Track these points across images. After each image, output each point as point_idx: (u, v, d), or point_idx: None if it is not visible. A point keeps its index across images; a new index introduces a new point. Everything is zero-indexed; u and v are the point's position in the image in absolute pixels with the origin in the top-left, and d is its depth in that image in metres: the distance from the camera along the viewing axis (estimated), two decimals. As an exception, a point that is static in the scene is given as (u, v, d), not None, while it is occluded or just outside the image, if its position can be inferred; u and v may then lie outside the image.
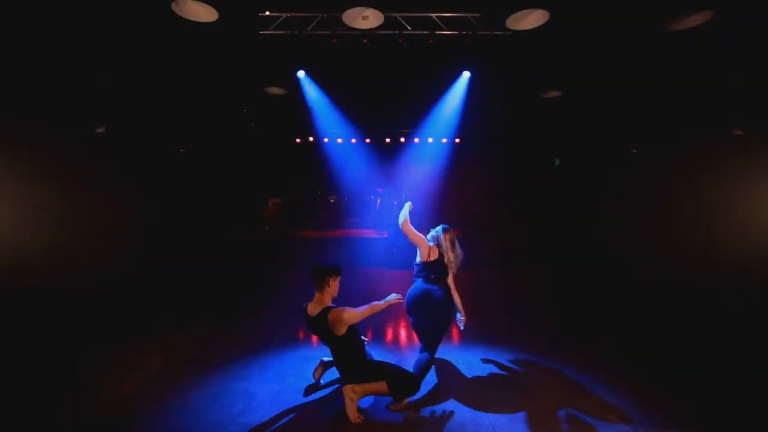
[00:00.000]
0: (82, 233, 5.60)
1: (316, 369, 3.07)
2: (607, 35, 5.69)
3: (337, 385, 3.01)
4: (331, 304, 2.70)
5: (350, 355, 2.70)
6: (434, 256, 3.18)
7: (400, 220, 3.23)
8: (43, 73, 5.04)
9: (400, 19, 5.91)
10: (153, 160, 7.26)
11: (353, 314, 2.61)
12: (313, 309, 2.68)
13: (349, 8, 5.18)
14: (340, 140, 11.03)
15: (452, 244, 3.24)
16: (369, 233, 8.87)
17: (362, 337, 2.87)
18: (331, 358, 3.07)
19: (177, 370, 3.20)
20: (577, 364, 3.36)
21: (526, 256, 7.73)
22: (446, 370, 3.29)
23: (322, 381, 3.07)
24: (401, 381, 2.67)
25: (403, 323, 4.37)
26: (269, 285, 6.06)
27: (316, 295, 2.70)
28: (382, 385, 2.64)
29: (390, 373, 2.70)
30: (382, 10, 5.24)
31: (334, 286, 2.72)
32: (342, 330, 2.59)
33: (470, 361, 3.44)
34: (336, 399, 2.82)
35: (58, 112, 5.36)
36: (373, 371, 2.71)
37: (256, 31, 6.01)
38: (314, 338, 3.98)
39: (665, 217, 6.36)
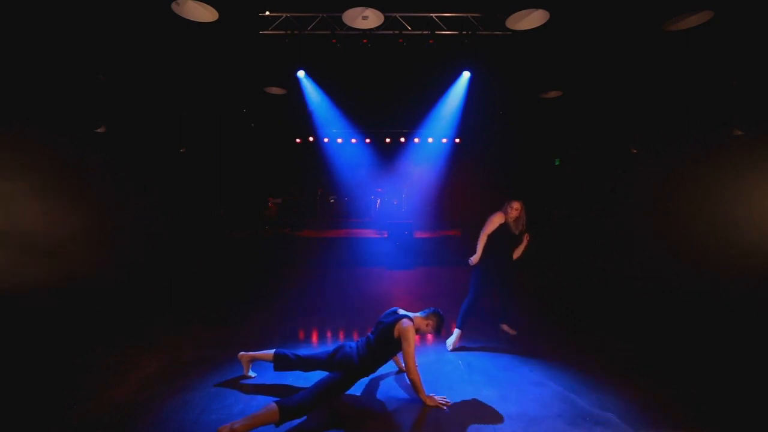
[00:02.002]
0: (82, 233, 5.61)
1: (244, 367, 3.08)
2: (607, 35, 5.69)
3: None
4: (418, 327, 2.81)
5: (376, 363, 2.72)
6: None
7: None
8: (43, 74, 5.05)
9: (400, 19, 5.92)
10: (153, 159, 7.27)
11: (410, 347, 2.66)
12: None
13: (349, 8, 5.19)
14: (340, 140, 11.04)
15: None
16: (369, 233, 8.87)
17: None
18: (246, 353, 3.06)
19: (177, 369, 3.20)
20: (577, 364, 3.36)
21: (527, 256, 7.72)
22: (446, 369, 3.29)
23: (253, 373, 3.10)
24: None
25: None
26: (269, 285, 6.06)
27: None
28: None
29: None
30: (382, 11, 5.24)
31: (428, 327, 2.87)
32: (396, 342, 2.70)
33: (470, 361, 3.44)
34: (337, 399, 2.82)
35: (58, 111, 5.36)
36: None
37: (256, 31, 6.02)
38: (314, 338, 3.98)
39: (665, 217, 6.36)
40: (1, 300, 4.33)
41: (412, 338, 2.68)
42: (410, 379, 2.69)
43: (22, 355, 3.44)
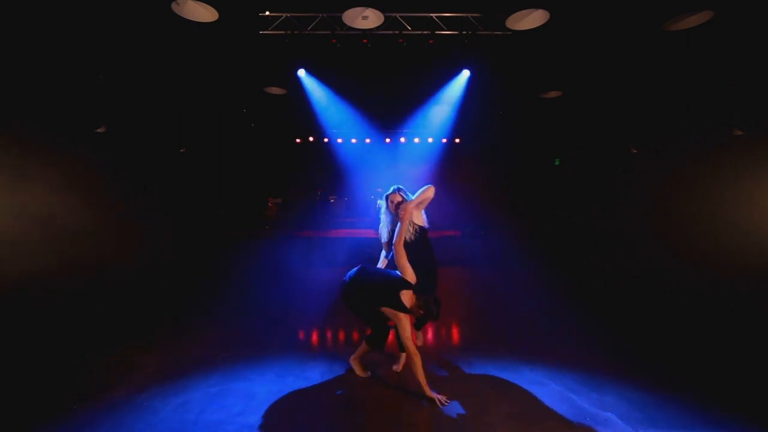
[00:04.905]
0: (81, 233, 5.60)
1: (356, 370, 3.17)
2: (607, 35, 5.69)
3: (340, 391, 3.00)
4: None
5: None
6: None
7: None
8: (43, 74, 5.04)
9: (400, 19, 5.92)
10: (153, 159, 7.26)
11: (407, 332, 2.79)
12: None
13: (349, 8, 5.19)
14: (340, 140, 11.04)
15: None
16: (369, 233, 8.86)
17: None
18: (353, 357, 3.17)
19: (176, 370, 3.20)
20: (577, 363, 3.36)
21: (526, 256, 7.72)
22: (446, 369, 3.29)
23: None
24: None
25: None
26: (269, 285, 6.06)
27: None
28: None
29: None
30: (382, 11, 5.25)
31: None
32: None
33: (470, 361, 3.44)
34: (336, 397, 2.82)
35: (58, 112, 5.35)
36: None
37: (256, 31, 6.02)
38: (314, 339, 3.98)
39: (665, 217, 6.35)
40: (1, 301, 4.33)
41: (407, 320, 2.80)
42: (412, 362, 2.73)
43: (22, 355, 3.44)
